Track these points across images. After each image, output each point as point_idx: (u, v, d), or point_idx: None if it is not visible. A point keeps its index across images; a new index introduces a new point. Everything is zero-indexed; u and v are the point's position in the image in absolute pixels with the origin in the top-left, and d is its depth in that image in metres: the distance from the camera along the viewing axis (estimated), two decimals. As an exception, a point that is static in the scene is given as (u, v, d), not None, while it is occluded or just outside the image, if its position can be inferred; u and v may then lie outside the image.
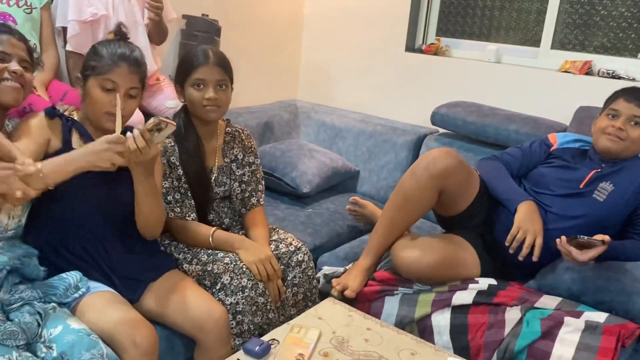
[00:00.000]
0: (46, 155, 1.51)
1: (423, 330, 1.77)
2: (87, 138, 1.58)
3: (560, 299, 1.85)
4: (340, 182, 2.78)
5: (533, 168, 2.02)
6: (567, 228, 1.82)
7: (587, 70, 2.51)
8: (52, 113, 1.57)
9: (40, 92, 1.94)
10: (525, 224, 1.78)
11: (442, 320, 1.76)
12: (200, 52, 1.78)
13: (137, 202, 1.59)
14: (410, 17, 2.98)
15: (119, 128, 1.46)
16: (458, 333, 1.73)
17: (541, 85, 2.58)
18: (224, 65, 1.80)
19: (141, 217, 1.62)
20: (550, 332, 1.65)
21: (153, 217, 1.63)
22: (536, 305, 1.79)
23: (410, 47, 3.04)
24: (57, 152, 1.52)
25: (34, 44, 2.02)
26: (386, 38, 3.06)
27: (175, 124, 1.48)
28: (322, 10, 3.28)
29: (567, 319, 1.68)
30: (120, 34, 1.63)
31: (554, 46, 2.68)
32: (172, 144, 1.81)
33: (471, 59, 2.86)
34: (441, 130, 2.72)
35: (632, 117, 1.82)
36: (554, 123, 2.39)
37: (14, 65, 1.47)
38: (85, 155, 1.40)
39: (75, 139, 1.58)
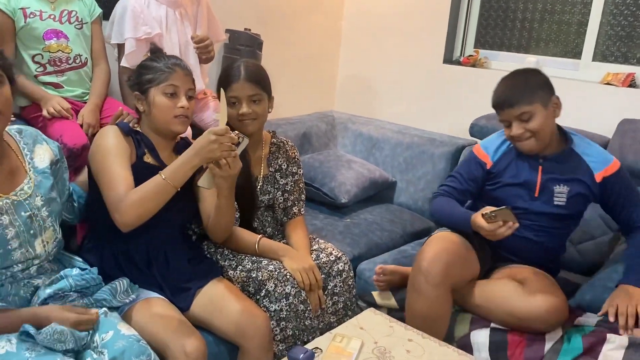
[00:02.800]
0: None
1: (463, 347, 1.76)
2: (153, 152, 1.65)
3: (601, 317, 1.83)
4: (377, 193, 2.80)
5: (480, 190, 1.97)
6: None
7: (630, 82, 2.47)
8: (125, 128, 1.63)
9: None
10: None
11: (480, 338, 1.76)
12: (233, 68, 1.84)
13: (218, 215, 1.65)
14: (449, 29, 3.00)
15: (224, 121, 1.50)
16: (497, 350, 1.72)
17: (582, 97, 2.56)
18: (257, 80, 1.84)
19: (218, 228, 1.70)
20: (592, 349, 1.63)
21: (229, 227, 1.72)
22: (576, 323, 1.77)
23: (448, 59, 3.05)
24: (133, 166, 1.59)
25: (86, 58, 2.11)
26: (424, 50, 3.07)
27: (248, 138, 1.56)
28: (360, 23, 3.32)
29: (609, 335, 1.66)
30: (155, 50, 1.71)
31: (595, 58, 2.65)
32: None
33: (510, 70, 2.84)
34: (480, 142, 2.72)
35: (516, 117, 1.78)
36: (595, 136, 2.36)
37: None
38: (197, 151, 1.45)
39: (146, 152, 1.65)
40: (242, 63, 1.86)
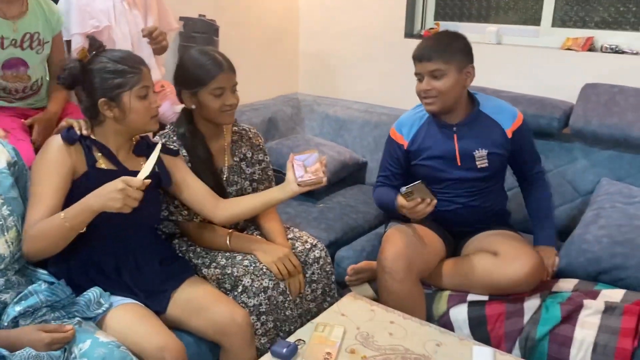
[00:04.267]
0: (74, 182, 1.52)
1: (444, 326, 1.78)
2: (109, 157, 1.59)
3: (576, 280, 1.86)
4: (349, 175, 2.78)
5: (408, 170, 2.00)
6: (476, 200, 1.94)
7: (590, 46, 2.49)
8: (71, 138, 1.54)
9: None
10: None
11: (459, 315, 1.78)
12: (211, 59, 1.75)
13: (254, 210, 1.74)
14: (408, 2, 2.96)
15: (146, 172, 1.40)
16: (477, 325, 1.75)
17: (544, 64, 2.57)
18: (234, 68, 1.79)
19: (237, 218, 1.77)
20: (570, 317, 1.66)
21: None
22: (553, 289, 1.80)
23: (409, 33, 3.02)
24: (84, 175, 1.53)
25: (42, 80, 1.96)
26: (384, 25, 3.03)
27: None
28: (318, 0, 3.25)
29: (586, 301, 1.69)
30: (95, 48, 1.59)
31: (554, 24, 2.66)
32: (180, 148, 1.81)
33: (471, 41, 2.78)
34: (446, 116, 2.71)
35: (429, 73, 1.80)
36: (560, 102, 2.38)
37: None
38: (99, 196, 1.37)
39: (99, 158, 1.58)
40: (213, 52, 1.78)
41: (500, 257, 1.78)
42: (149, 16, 2.23)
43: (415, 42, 2.90)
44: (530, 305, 1.72)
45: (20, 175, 1.51)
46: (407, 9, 2.97)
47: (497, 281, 1.75)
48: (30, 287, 1.40)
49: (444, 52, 1.79)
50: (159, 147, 1.46)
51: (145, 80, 1.55)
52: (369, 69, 3.13)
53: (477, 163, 1.89)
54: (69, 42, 2.08)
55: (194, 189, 1.72)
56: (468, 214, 1.94)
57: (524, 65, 2.63)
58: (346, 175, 2.76)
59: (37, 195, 1.46)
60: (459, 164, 1.89)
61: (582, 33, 2.56)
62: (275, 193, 1.70)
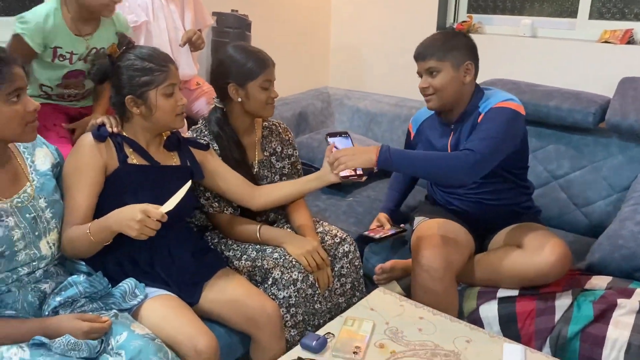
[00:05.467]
0: (107, 178, 1.56)
1: (473, 323, 1.77)
2: (141, 152, 1.62)
3: (610, 278, 1.83)
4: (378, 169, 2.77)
5: None
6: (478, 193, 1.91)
7: (629, 39, 2.43)
8: (102, 136, 1.58)
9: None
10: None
11: (489, 312, 1.76)
12: (260, 54, 1.81)
13: (290, 197, 1.81)
14: (440, -6, 2.93)
15: (171, 206, 1.39)
16: (507, 322, 1.73)
17: (580, 57, 2.52)
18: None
19: (274, 204, 1.82)
20: (603, 315, 1.64)
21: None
22: (586, 287, 1.77)
23: (442, 26, 2.99)
24: (116, 171, 1.57)
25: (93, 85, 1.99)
26: (416, 18, 3.01)
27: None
28: (350, -6, 3.25)
29: (620, 300, 1.66)
30: (124, 44, 1.65)
31: (592, 16, 2.60)
32: (211, 142, 1.84)
33: (505, 34, 2.80)
34: (478, 110, 2.68)
35: (425, 71, 1.83)
36: (595, 96, 2.33)
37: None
38: (117, 220, 1.39)
39: (130, 154, 1.62)
40: (256, 48, 1.85)
41: (526, 248, 1.76)
42: (186, 12, 2.26)
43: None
44: (562, 303, 1.70)
45: (60, 175, 1.55)
46: (440, 2, 2.95)
47: (525, 272, 1.73)
48: (69, 279, 1.45)
49: (438, 50, 1.80)
50: (187, 185, 1.44)
51: (172, 78, 1.57)
52: (401, 62, 3.10)
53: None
54: None
55: (229, 179, 1.77)
56: (484, 212, 1.92)
57: (559, 59, 2.58)
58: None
59: (72, 199, 1.50)
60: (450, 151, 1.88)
61: (621, 25, 2.49)
62: (312, 182, 1.75)
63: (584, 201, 2.27)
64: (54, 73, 1.84)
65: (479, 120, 1.80)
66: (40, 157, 1.49)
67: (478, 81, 2.57)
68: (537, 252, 1.72)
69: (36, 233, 1.40)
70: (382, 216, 2.16)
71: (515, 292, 1.77)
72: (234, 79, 1.80)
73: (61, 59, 1.82)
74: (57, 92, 1.89)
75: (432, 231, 1.83)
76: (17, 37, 1.77)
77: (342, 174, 1.65)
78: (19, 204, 1.38)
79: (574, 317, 1.65)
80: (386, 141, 2.85)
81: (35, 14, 1.78)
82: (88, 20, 1.86)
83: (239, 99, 1.82)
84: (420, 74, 1.87)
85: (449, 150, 1.89)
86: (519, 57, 2.70)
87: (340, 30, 3.34)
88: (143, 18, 2.12)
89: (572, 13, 2.65)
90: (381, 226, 2.13)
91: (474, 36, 2.83)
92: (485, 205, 1.91)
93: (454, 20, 3.02)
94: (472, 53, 1.85)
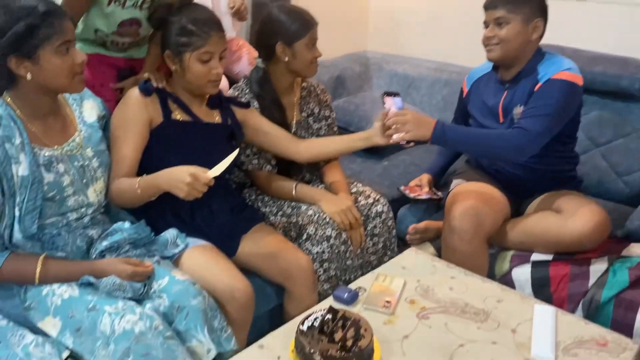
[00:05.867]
0: (151, 132, 1.62)
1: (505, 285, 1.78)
2: (184, 108, 1.67)
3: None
4: (415, 133, 2.76)
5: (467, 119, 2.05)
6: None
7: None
8: (148, 90, 1.63)
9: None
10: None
11: (522, 275, 1.77)
12: (305, 14, 1.86)
13: (335, 153, 1.87)
14: (485, -44, 2.85)
15: (218, 171, 1.44)
16: (540, 286, 1.73)
17: (631, 21, 2.42)
18: None
19: (318, 157, 1.90)
20: (639, 282, 1.62)
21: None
22: (623, 253, 1.75)
23: (485, -10, 2.91)
24: (161, 126, 1.62)
25: (147, 34, 1.99)
26: (459, -19, 2.94)
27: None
28: (391, -45, 3.19)
29: (658, 266, 1.64)
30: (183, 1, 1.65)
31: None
32: (252, 101, 1.88)
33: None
34: (521, 75, 2.63)
35: (494, 21, 1.81)
36: (643, 62, 2.25)
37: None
38: (167, 181, 1.44)
39: (174, 110, 1.67)
40: (300, 9, 1.89)
41: (564, 213, 1.75)
42: None
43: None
44: (597, 268, 1.69)
45: (106, 126, 1.61)
46: (484, -36, 2.86)
47: (561, 237, 1.72)
48: (115, 225, 1.52)
49: (511, 1, 1.78)
50: (235, 153, 1.48)
51: (211, 46, 1.59)
52: (440, 26, 3.06)
53: (515, 118, 1.82)
54: None
55: (272, 134, 1.81)
56: (527, 176, 1.90)
57: (608, 23, 2.49)
58: (413, 134, 2.75)
59: (119, 151, 1.56)
60: (501, 120, 1.87)
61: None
62: (358, 142, 1.77)
63: (625, 170, 2.22)
64: (109, 21, 1.87)
65: (535, 88, 1.77)
66: (87, 108, 1.56)
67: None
68: (575, 218, 1.71)
69: (84, 181, 1.47)
70: (425, 177, 2.17)
71: (549, 257, 1.77)
72: (281, 39, 1.82)
73: (117, 2, 1.84)
74: (112, 39, 1.92)
75: (466, 193, 1.83)
76: None
77: (394, 137, 1.65)
78: (68, 152, 1.45)
79: (608, 282, 1.64)
80: (424, 106, 2.83)
81: None
82: None
83: (286, 58, 1.84)
84: (486, 24, 1.85)
85: (500, 110, 1.87)
86: (565, 21, 2.60)
87: (380, -7, 3.30)
88: None
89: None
90: (420, 186, 2.13)
91: None
92: (530, 169, 1.89)
93: (499, -17, 2.93)
94: (543, 11, 1.82)
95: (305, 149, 1.82)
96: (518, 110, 1.82)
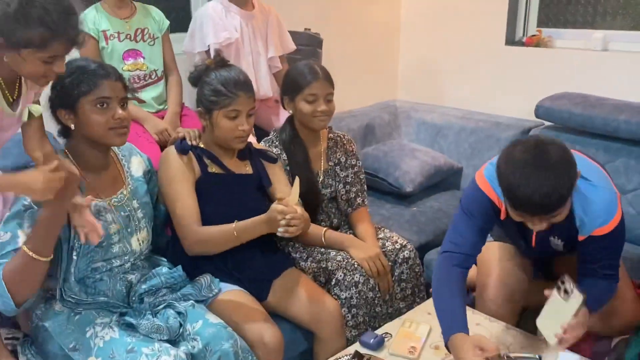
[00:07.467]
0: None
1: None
2: (217, 162, 1.78)
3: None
4: (443, 180, 2.82)
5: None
6: None
7: None
8: (184, 150, 1.74)
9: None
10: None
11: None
12: (308, 69, 1.93)
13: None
14: (510, 9, 2.95)
15: (294, 200, 1.56)
16: None
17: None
18: (330, 79, 1.95)
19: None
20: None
21: None
22: None
23: (511, 40, 3.00)
24: (200, 181, 1.73)
25: (161, 72, 2.28)
26: (485, 32, 3.04)
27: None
28: (419, 8, 3.32)
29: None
30: (221, 61, 1.78)
31: (666, 29, 2.54)
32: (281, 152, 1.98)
33: (575, 48, 2.78)
34: (546, 123, 2.67)
35: (546, 220, 1.45)
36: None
37: (119, 112, 1.49)
38: (268, 223, 1.57)
39: (209, 164, 1.77)
40: (313, 64, 1.97)
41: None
42: (270, 42, 2.42)
43: (516, 50, 2.93)
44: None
45: (151, 180, 1.74)
46: (509, 16, 2.96)
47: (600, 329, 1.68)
48: (154, 270, 1.63)
49: (560, 198, 1.38)
50: (298, 180, 1.59)
51: (239, 105, 1.69)
52: (469, 76, 3.15)
53: (552, 246, 1.71)
54: (207, 52, 2.29)
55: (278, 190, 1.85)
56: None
57: (631, 73, 2.53)
58: (440, 180, 2.81)
59: (183, 204, 1.67)
60: (534, 245, 1.70)
61: (699, 37, 2.42)
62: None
63: (655, 217, 2.21)
64: (113, 57, 2.14)
65: (578, 237, 1.57)
66: (135, 164, 1.69)
67: (545, 94, 2.59)
68: (611, 318, 1.66)
69: (129, 230, 1.59)
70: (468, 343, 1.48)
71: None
72: (286, 92, 1.96)
73: (112, 38, 2.14)
74: (127, 77, 2.04)
75: (498, 265, 1.78)
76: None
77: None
78: (116, 203, 1.58)
79: (634, 341, 1.63)
80: (452, 153, 2.89)
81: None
82: (121, 6, 2.19)
83: (290, 111, 1.97)
84: (530, 221, 1.47)
85: (534, 241, 1.68)
86: (589, 71, 2.67)
87: (409, 45, 3.42)
88: (236, 35, 2.30)
89: (647, 26, 2.60)
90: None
91: (543, 50, 2.87)
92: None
93: (524, 34, 3.02)
94: (575, 164, 1.42)
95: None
96: (555, 241, 1.68)
